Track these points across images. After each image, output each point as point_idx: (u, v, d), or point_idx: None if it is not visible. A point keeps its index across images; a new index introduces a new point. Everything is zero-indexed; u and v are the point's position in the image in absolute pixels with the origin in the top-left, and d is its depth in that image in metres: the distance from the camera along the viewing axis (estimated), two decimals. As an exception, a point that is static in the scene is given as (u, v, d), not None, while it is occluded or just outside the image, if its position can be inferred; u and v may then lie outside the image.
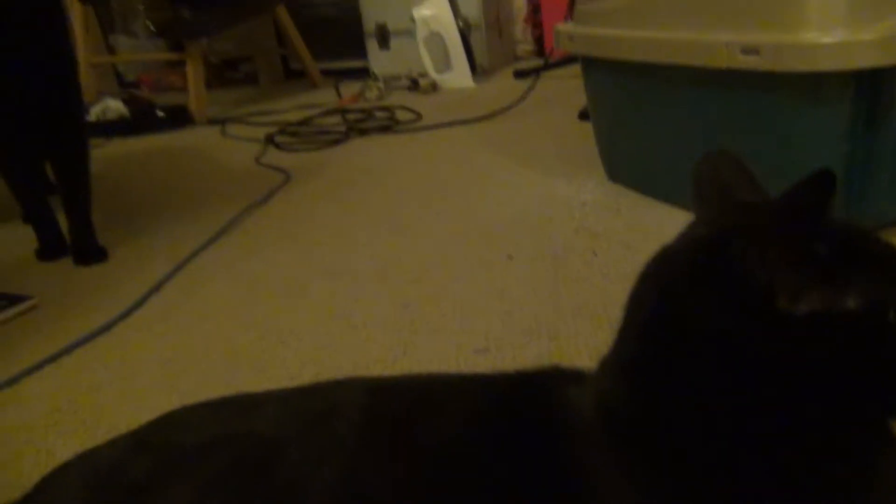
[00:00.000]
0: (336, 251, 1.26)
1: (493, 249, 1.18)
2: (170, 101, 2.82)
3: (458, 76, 2.82)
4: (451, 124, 2.14)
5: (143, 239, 1.41)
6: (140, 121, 2.53)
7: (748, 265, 0.34)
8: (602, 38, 1.30)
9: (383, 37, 3.13)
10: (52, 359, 0.95)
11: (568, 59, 2.30)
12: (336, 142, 2.08)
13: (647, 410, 0.38)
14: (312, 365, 0.88)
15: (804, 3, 0.92)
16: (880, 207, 1.01)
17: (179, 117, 2.57)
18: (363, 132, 2.17)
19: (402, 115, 2.32)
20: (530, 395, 0.44)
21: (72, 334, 1.01)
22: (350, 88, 2.82)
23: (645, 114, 1.28)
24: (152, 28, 2.59)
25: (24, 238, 1.37)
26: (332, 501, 0.41)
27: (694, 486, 0.36)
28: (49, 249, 1.34)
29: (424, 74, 2.82)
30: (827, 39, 0.90)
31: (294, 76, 3.55)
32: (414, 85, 2.80)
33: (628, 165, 1.39)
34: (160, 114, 2.58)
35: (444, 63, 2.82)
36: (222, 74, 3.68)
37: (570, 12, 1.67)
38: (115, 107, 2.54)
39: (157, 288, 1.15)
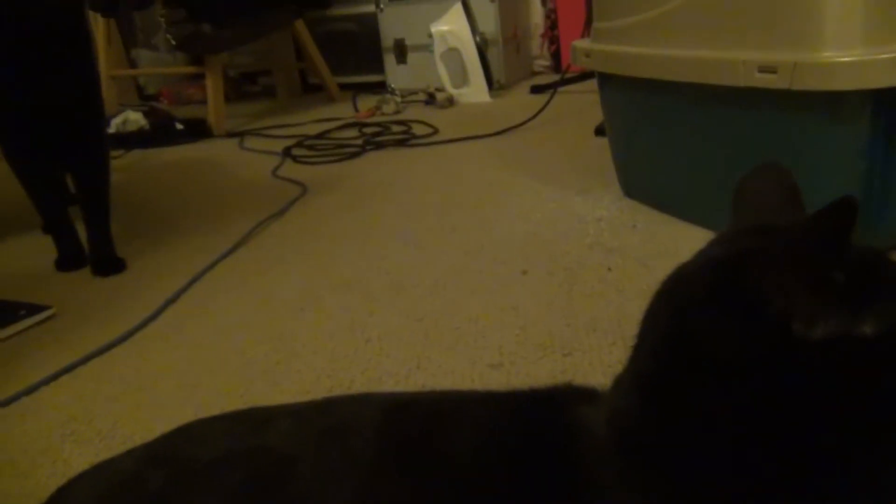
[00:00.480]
0: (351, 264, 1.26)
1: (507, 264, 1.18)
2: (189, 113, 2.85)
3: (475, 91, 2.83)
4: (467, 139, 2.15)
5: (161, 250, 1.43)
6: (159, 133, 2.56)
7: (765, 289, 0.34)
8: (619, 56, 1.30)
9: (401, 52, 3.16)
10: (70, 368, 0.96)
11: (584, 75, 2.31)
12: (353, 155, 2.09)
13: (660, 430, 0.38)
14: (326, 378, 0.88)
15: (822, 21, 0.92)
16: (898, 226, 1.00)
17: (198, 130, 2.60)
18: (380, 146, 2.18)
19: (418, 130, 2.33)
20: (543, 413, 0.44)
21: (89, 344, 1.02)
22: (367, 102, 2.85)
23: (661, 130, 1.28)
24: (173, 42, 2.62)
25: (43, 248, 1.39)
26: (346, 517, 0.41)
27: (707, 506, 0.36)
28: (68, 260, 1.36)
29: (441, 89, 2.83)
30: (844, 58, 0.90)
31: (312, 90, 3.58)
32: (431, 99, 2.81)
33: (644, 181, 1.39)
34: (179, 126, 2.60)
35: (462, 78, 2.83)
36: (241, 88, 3.72)
37: (586, 29, 1.68)
38: (134, 119, 2.57)
39: (173, 299, 1.16)
